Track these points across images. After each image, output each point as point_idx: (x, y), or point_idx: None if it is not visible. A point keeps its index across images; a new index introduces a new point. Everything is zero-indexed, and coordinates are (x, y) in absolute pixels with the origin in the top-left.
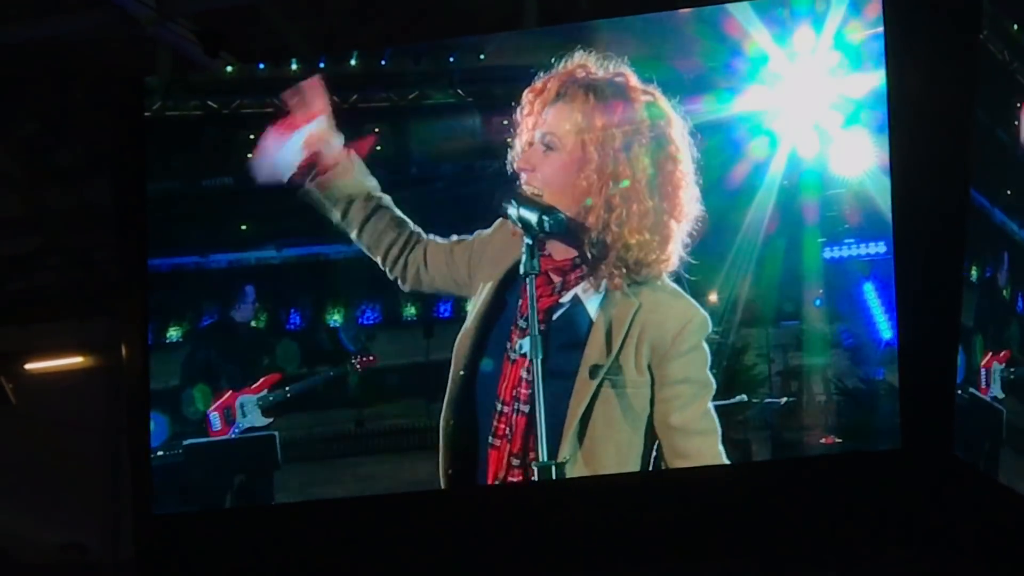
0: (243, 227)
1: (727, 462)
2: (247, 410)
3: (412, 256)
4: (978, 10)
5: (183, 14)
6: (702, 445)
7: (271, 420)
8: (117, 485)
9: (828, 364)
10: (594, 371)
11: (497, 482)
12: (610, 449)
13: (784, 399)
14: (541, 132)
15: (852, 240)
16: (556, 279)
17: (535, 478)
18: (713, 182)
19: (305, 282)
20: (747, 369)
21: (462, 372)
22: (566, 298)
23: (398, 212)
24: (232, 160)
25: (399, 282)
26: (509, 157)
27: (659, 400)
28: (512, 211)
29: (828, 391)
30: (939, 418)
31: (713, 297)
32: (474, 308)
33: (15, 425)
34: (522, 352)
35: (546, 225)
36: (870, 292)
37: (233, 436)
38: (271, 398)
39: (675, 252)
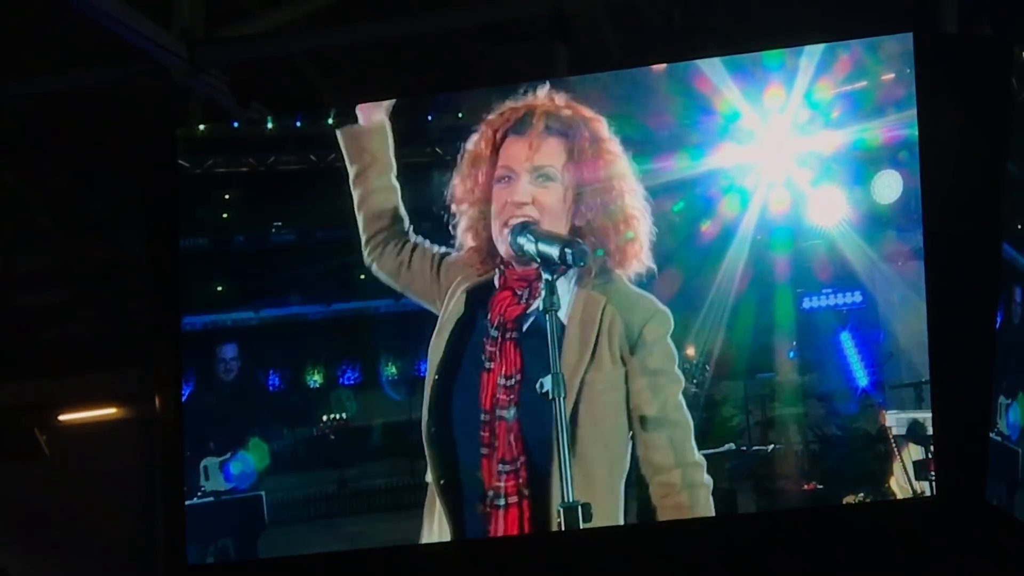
0: (219, 288)
1: (698, 457)
2: (210, 473)
3: (399, 251)
4: (1009, 62)
5: (215, 65)
6: (674, 436)
7: (233, 484)
8: (150, 535)
9: (805, 413)
10: (575, 371)
11: (491, 492)
12: (599, 448)
13: (771, 447)
14: (535, 164)
15: (829, 290)
16: (522, 290)
17: (560, 519)
18: (685, 238)
19: (284, 343)
20: (725, 421)
21: (436, 377)
22: (533, 307)
23: (401, 205)
24: (207, 220)
25: (372, 264)
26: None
27: (633, 392)
28: (529, 246)
29: (806, 440)
30: (973, 466)
31: (690, 351)
32: (444, 313)
33: (48, 476)
34: (544, 390)
35: (569, 258)
36: (847, 341)
37: (206, 499)
38: (234, 462)
39: (637, 253)
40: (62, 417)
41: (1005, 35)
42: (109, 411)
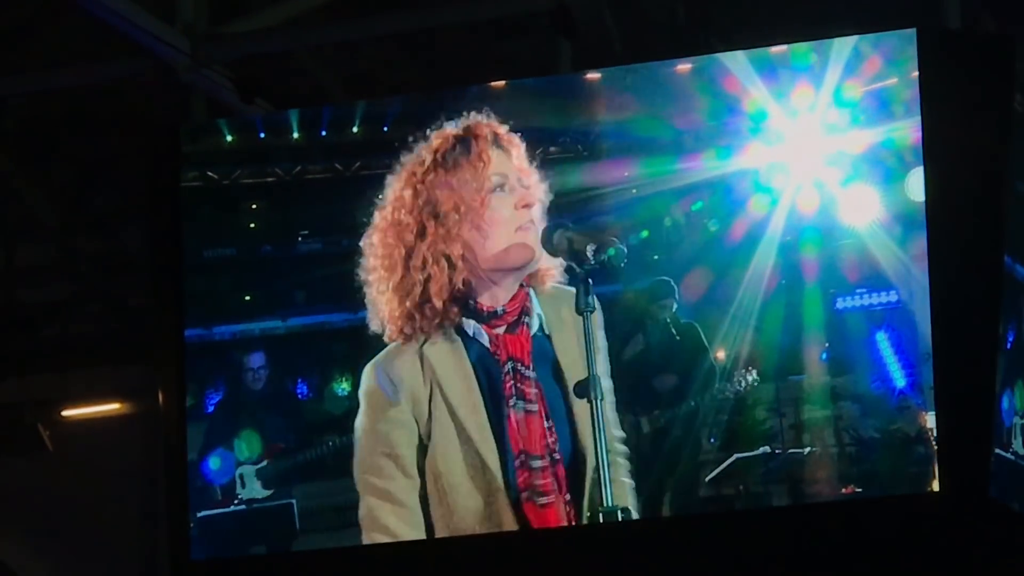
0: (247, 298)
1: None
2: (246, 480)
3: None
4: (1011, 75)
5: (218, 61)
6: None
7: (271, 491)
8: (154, 531)
9: (840, 415)
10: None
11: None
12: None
13: (806, 450)
14: (518, 169)
15: (863, 290)
16: (523, 317)
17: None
18: (712, 238)
19: (312, 351)
20: (757, 424)
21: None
22: (535, 324)
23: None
24: (235, 230)
25: None
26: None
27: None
28: (565, 244)
29: (842, 442)
30: (977, 461)
31: (720, 354)
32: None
33: (52, 471)
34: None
35: (605, 257)
36: (882, 341)
37: (238, 507)
38: (271, 468)
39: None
40: (65, 412)
41: (1008, 30)
42: (112, 406)
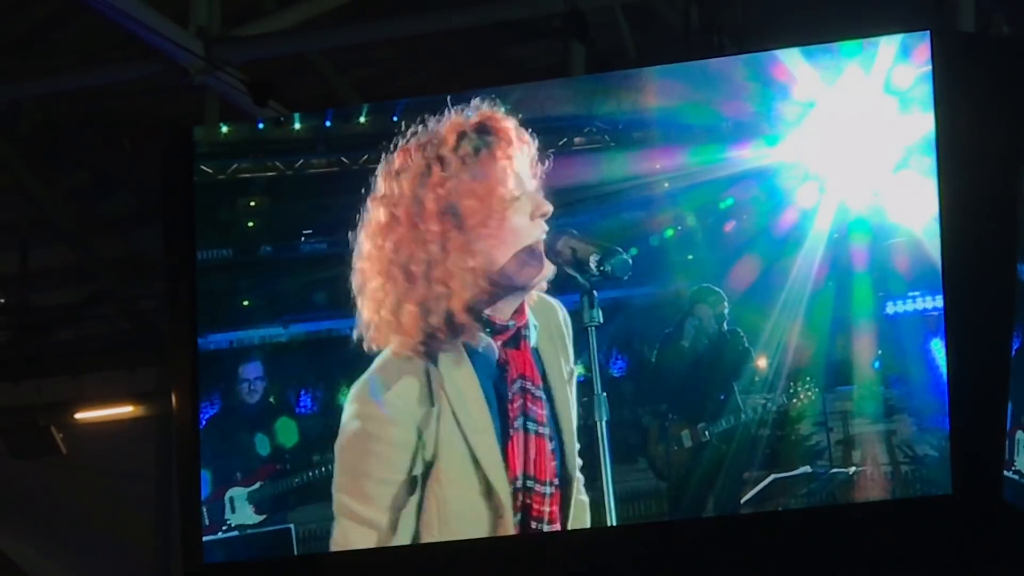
0: (245, 303)
1: None
2: (236, 505)
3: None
4: None
5: (232, 63)
6: None
7: (264, 516)
8: (167, 534)
9: (894, 430)
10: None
11: None
12: None
13: (852, 469)
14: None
15: (916, 293)
16: (523, 330)
17: None
18: (756, 234)
19: (315, 361)
20: (802, 440)
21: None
22: (533, 336)
23: None
24: (231, 230)
25: None
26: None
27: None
28: (568, 252)
29: (895, 460)
30: (989, 464)
31: (761, 362)
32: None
33: (65, 474)
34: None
35: (608, 267)
36: (939, 349)
37: (229, 535)
38: (265, 491)
39: None
40: (79, 415)
41: (1022, 33)
42: (125, 409)
